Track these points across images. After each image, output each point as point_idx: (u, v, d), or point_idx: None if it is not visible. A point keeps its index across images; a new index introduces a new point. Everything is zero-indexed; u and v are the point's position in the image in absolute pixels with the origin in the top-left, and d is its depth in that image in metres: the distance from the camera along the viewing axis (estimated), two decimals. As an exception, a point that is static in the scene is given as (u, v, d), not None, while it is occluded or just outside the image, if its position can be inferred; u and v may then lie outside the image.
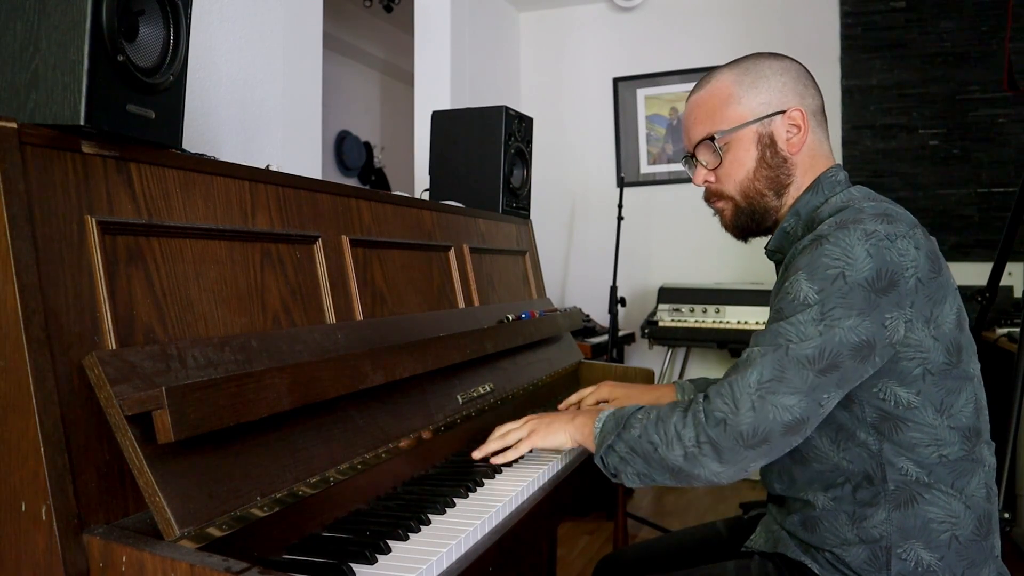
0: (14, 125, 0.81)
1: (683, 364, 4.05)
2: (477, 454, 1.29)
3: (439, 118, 2.18)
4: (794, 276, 1.07)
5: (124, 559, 0.76)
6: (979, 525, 1.08)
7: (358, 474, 1.09)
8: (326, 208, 1.29)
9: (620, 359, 3.72)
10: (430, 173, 2.17)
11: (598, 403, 1.55)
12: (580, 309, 2.51)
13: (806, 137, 1.20)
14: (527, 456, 1.39)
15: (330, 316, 1.23)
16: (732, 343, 3.48)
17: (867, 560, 1.09)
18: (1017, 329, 2.67)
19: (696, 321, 3.57)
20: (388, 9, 4.73)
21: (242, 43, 2.05)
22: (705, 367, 4.04)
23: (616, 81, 4.22)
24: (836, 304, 1.02)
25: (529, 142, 2.21)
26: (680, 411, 1.09)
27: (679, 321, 3.60)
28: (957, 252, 3.66)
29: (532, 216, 2.28)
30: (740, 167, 1.21)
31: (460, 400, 1.42)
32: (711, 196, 1.28)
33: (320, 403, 1.04)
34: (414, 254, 1.55)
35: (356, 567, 0.89)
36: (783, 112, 1.19)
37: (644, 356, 4.05)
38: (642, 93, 4.19)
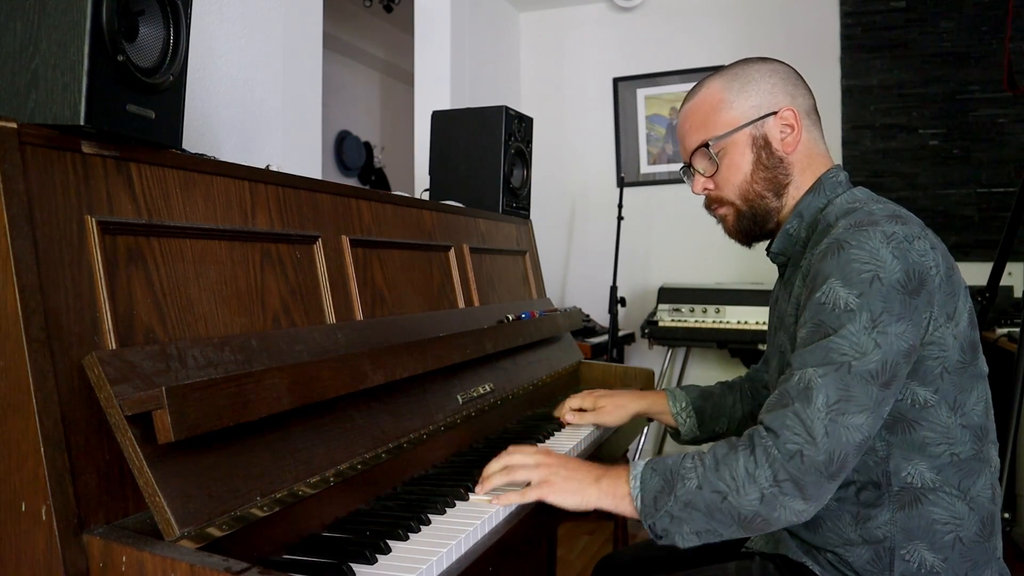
0: (14, 125, 0.81)
1: (683, 364, 4.05)
2: (479, 488, 1.15)
3: (439, 118, 2.18)
4: (826, 285, 1.03)
5: (124, 559, 0.76)
6: (983, 526, 1.08)
7: (358, 474, 1.09)
8: (326, 208, 1.29)
9: (620, 359, 3.72)
10: (430, 173, 2.17)
11: (580, 408, 1.54)
12: (580, 309, 2.51)
13: (800, 136, 1.20)
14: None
15: (330, 316, 1.23)
16: (732, 343, 3.48)
17: (870, 561, 1.09)
18: (1017, 329, 2.67)
19: (696, 321, 3.57)
20: (388, 9, 4.73)
21: (242, 43, 2.05)
22: (705, 367, 4.04)
23: (616, 81, 4.22)
24: (881, 308, 1.00)
25: (529, 142, 2.21)
26: (744, 450, 1.01)
27: (679, 321, 3.60)
28: (957, 252, 3.66)
29: (532, 216, 2.28)
30: (737, 171, 1.22)
31: (460, 400, 1.42)
32: (711, 203, 1.28)
33: (320, 403, 1.04)
34: (414, 254, 1.55)
35: (356, 567, 0.89)
36: (775, 113, 1.20)
37: (644, 356, 4.05)
38: (642, 93, 4.19)
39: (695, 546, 1.05)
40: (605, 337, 3.58)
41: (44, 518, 0.76)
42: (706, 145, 1.22)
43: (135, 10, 0.91)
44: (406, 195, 1.59)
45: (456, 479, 1.22)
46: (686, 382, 4.04)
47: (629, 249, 4.01)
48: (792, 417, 1.00)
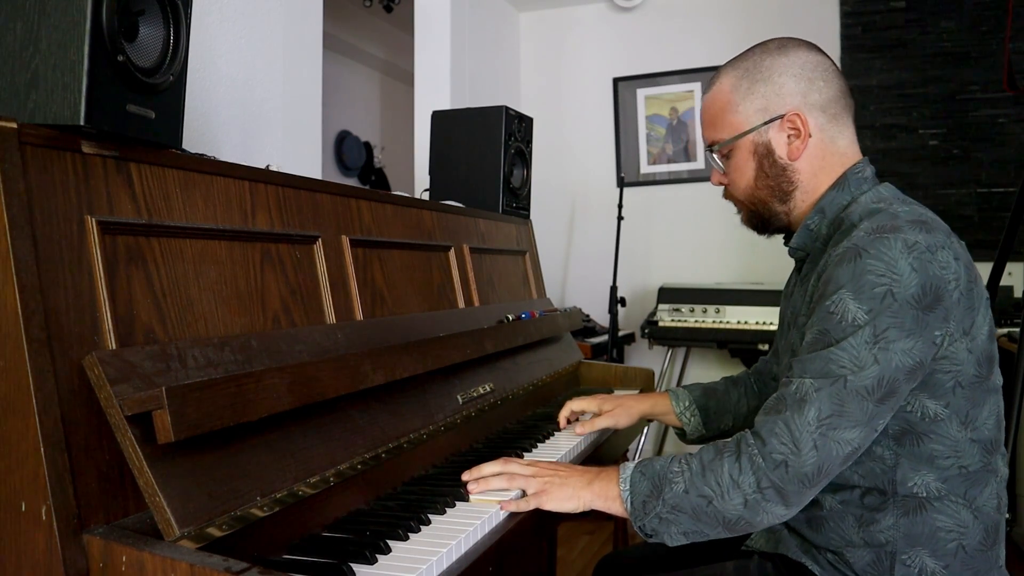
0: (14, 125, 0.81)
1: (683, 364, 4.05)
2: (473, 486, 1.15)
3: (439, 118, 2.18)
4: (837, 295, 1.02)
5: (124, 559, 0.76)
6: (986, 535, 1.07)
7: (358, 474, 1.09)
8: (326, 208, 1.29)
9: (620, 359, 3.72)
10: (430, 173, 2.17)
11: (582, 411, 1.55)
12: (580, 309, 2.51)
13: (808, 140, 1.17)
14: (527, 451, 1.39)
15: (330, 316, 1.23)
16: (732, 343, 3.48)
17: (870, 564, 1.08)
18: (1017, 329, 2.67)
19: (696, 321, 3.57)
20: (388, 9, 4.73)
21: (242, 43, 2.05)
22: (705, 367, 4.03)
23: (616, 81, 4.22)
24: (888, 324, 0.98)
25: (529, 142, 2.21)
26: (730, 456, 1.04)
27: (679, 321, 3.60)
28: (957, 252, 3.65)
29: (532, 216, 2.28)
30: (742, 176, 1.22)
31: (460, 400, 1.42)
32: (727, 196, 1.29)
33: (320, 403, 1.04)
34: (414, 254, 1.55)
35: (356, 567, 0.89)
36: (780, 117, 1.17)
37: (644, 356, 4.05)
38: (642, 93, 4.19)
39: (686, 543, 1.09)
40: (605, 337, 3.58)
41: (44, 518, 0.76)
42: (713, 147, 1.24)
43: (135, 10, 0.91)
44: (406, 195, 1.59)
45: (456, 479, 1.22)
46: (686, 382, 4.05)
47: (629, 249, 4.01)
48: (782, 426, 1.01)
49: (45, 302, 0.80)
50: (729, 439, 1.08)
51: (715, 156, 1.24)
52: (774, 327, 3.38)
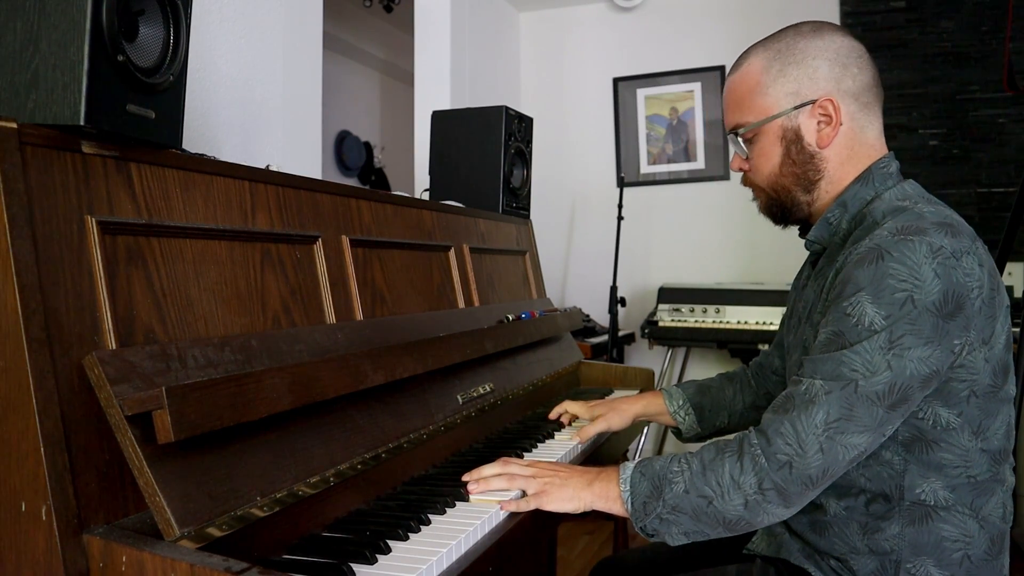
0: (14, 125, 0.81)
1: (683, 364, 4.05)
2: (473, 487, 1.15)
3: (439, 118, 2.18)
4: (855, 297, 0.99)
5: (124, 559, 0.76)
6: (992, 545, 1.06)
7: (358, 474, 1.09)
8: (326, 208, 1.29)
9: (620, 359, 3.72)
10: (430, 173, 2.17)
11: (577, 416, 1.55)
12: (580, 309, 2.51)
13: (838, 128, 1.13)
14: (527, 451, 1.39)
15: (330, 316, 1.23)
16: (732, 343, 3.48)
17: (874, 571, 1.07)
18: (1017, 329, 2.67)
19: (696, 321, 3.57)
20: (388, 9, 4.73)
21: (242, 43, 2.05)
22: (705, 367, 4.03)
23: (616, 81, 4.22)
24: (905, 331, 0.96)
25: (529, 142, 2.21)
26: (731, 456, 1.02)
27: (679, 321, 3.60)
28: (957, 252, 3.65)
29: (532, 216, 2.28)
30: (766, 161, 1.17)
31: (460, 400, 1.42)
32: (747, 183, 1.25)
33: (320, 403, 1.04)
34: (414, 254, 1.55)
35: (356, 567, 0.89)
36: (812, 102, 1.12)
37: (644, 356, 4.05)
38: (642, 93, 4.19)
39: (687, 543, 1.08)
40: (605, 337, 3.58)
41: (44, 518, 0.76)
42: (737, 131, 1.19)
43: (135, 10, 0.91)
44: (406, 195, 1.59)
45: (456, 479, 1.22)
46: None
47: (629, 249, 4.01)
48: (788, 426, 0.99)
49: (45, 302, 0.80)
50: (731, 438, 1.07)
51: (739, 138, 1.19)
52: (774, 327, 3.39)
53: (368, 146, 5.59)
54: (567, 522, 3.39)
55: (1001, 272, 2.39)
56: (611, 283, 3.57)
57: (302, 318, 1.18)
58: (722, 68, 4.00)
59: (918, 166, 3.72)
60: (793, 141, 1.15)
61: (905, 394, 0.97)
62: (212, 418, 0.84)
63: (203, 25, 1.92)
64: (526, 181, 2.19)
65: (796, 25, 1.17)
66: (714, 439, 1.08)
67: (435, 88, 3.57)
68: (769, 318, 3.45)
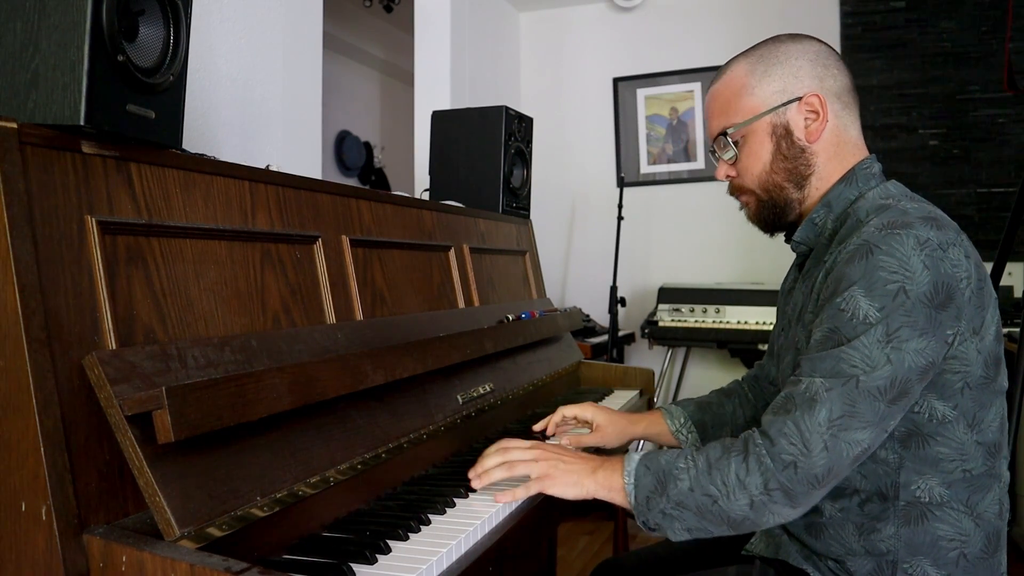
0: (14, 125, 0.81)
1: (683, 364, 4.05)
2: (476, 483, 1.15)
3: (439, 118, 2.18)
4: (848, 292, 1.00)
5: (124, 559, 0.76)
6: (988, 543, 1.06)
7: (358, 474, 1.09)
8: (326, 208, 1.29)
9: (620, 359, 3.72)
10: (430, 173, 2.17)
11: (575, 417, 1.45)
12: (580, 309, 2.51)
13: (825, 123, 1.15)
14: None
15: (330, 316, 1.23)
16: (732, 343, 3.47)
17: (871, 572, 1.07)
18: (1017, 329, 2.67)
19: (696, 321, 3.57)
20: (388, 9, 4.73)
21: (242, 43, 2.05)
22: (705, 367, 4.03)
23: (616, 81, 4.22)
24: (901, 323, 0.96)
25: (529, 142, 2.21)
26: (737, 456, 1.02)
27: (679, 321, 3.60)
28: (957, 252, 3.65)
29: (532, 216, 2.28)
30: (756, 160, 1.18)
31: (460, 400, 1.42)
32: (734, 190, 1.25)
33: (320, 403, 1.04)
34: (414, 254, 1.55)
35: (356, 567, 0.89)
36: (799, 99, 1.15)
37: (644, 356, 4.05)
38: (642, 93, 4.19)
39: (689, 539, 1.07)
40: (605, 337, 3.58)
41: (44, 518, 0.76)
42: (725, 132, 1.19)
43: (135, 10, 0.91)
44: (406, 195, 1.59)
45: (456, 479, 1.22)
46: (686, 382, 4.05)
47: (629, 249, 4.01)
48: (791, 426, 0.99)
49: (45, 302, 0.80)
50: (736, 437, 1.06)
51: (728, 139, 1.19)
52: (774, 327, 3.38)
53: (368, 146, 5.59)
54: (567, 522, 3.39)
55: (1001, 272, 2.40)
56: (611, 283, 3.57)
57: (302, 318, 1.18)
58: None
59: (918, 166, 3.72)
60: (783, 136, 1.16)
61: (905, 387, 0.98)
62: (212, 418, 0.84)
63: (203, 25, 1.92)
64: (526, 181, 2.19)
65: (773, 36, 1.21)
66: (720, 439, 1.07)
67: (435, 88, 3.57)
68: (769, 318, 3.45)
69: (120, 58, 0.87)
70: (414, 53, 3.64)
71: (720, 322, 3.54)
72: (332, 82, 4.76)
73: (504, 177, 2.06)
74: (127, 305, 0.90)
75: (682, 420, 1.46)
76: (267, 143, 2.13)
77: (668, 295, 3.66)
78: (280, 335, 1.09)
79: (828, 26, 3.86)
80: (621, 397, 1.96)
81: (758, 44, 1.21)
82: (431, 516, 1.06)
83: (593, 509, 3.50)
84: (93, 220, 0.87)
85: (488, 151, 2.07)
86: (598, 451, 1.54)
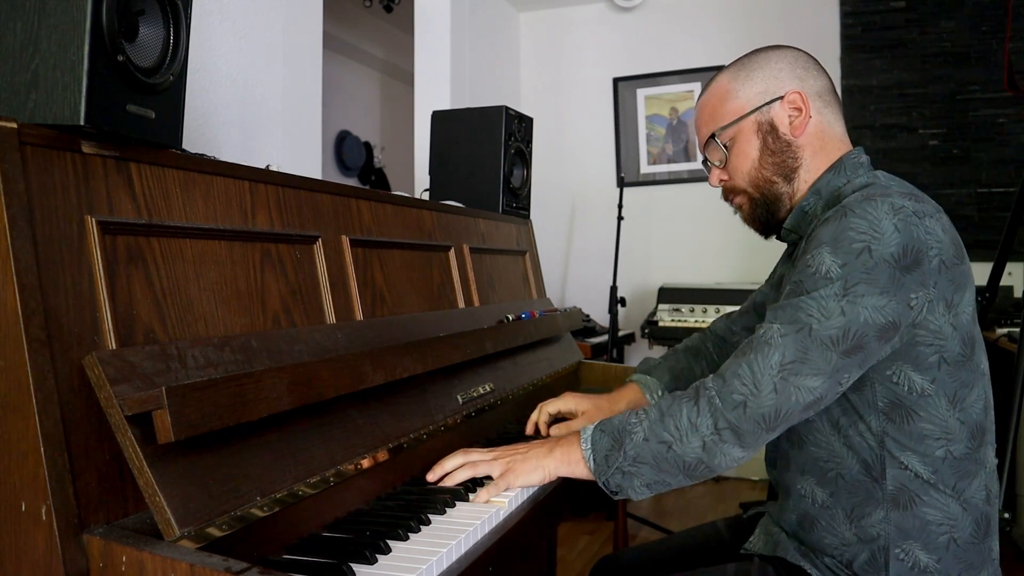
0: (14, 125, 0.81)
1: (683, 364, 4.05)
2: (431, 476, 1.19)
3: (439, 118, 2.18)
4: (818, 250, 1.04)
5: (124, 559, 0.76)
6: (977, 528, 1.08)
7: (358, 474, 1.09)
8: (326, 208, 1.29)
9: (620, 359, 3.72)
10: (430, 173, 2.17)
11: (559, 412, 1.45)
12: (580, 309, 2.51)
13: (808, 118, 1.20)
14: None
15: (330, 316, 1.23)
16: (732, 343, 3.47)
17: (867, 562, 1.09)
18: (1017, 329, 2.67)
19: (696, 321, 3.57)
20: (388, 9, 4.73)
21: (242, 43, 2.05)
22: (705, 367, 4.03)
23: (616, 81, 4.22)
24: (860, 279, 1.00)
25: (529, 142, 2.21)
26: (688, 401, 1.06)
27: (679, 321, 3.60)
28: (957, 252, 3.65)
29: (532, 216, 2.27)
30: (745, 158, 1.22)
31: (460, 400, 1.42)
32: (727, 194, 1.29)
33: (320, 403, 1.04)
34: (414, 254, 1.55)
35: (356, 567, 0.89)
36: (781, 97, 1.20)
37: (644, 356, 4.05)
38: (642, 93, 4.19)
39: (650, 496, 1.10)
40: (605, 337, 3.58)
41: (44, 518, 0.76)
42: (714, 136, 1.24)
43: (135, 10, 0.91)
44: (406, 195, 1.59)
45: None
46: (686, 382, 4.05)
47: (629, 249, 4.01)
48: (744, 367, 1.03)
49: (45, 302, 0.80)
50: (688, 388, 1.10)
51: (717, 141, 1.24)
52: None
53: (368, 146, 5.59)
54: (567, 522, 3.39)
55: (1001, 272, 2.40)
56: (611, 283, 3.57)
57: (302, 318, 1.18)
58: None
59: (918, 166, 3.72)
60: (769, 132, 1.21)
61: (860, 341, 1.00)
62: (212, 418, 0.84)
63: (203, 25, 1.92)
64: (526, 181, 2.19)
65: (754, 50, 1.28)
66: (671, 392, 1.11)
67: (435, 88, 3.57)
68: (769, 318, 3.45)
69: (120, 58, 0.87)
70: (414, 53, 3.64)
71: (720, 322, 3.53)
72: (332, 82, 4.76)
73: (504, 177, 2.06)
74: (127, 305, 0.90)
75: (660, 392, 1.53)
76: (267, 143, 2.13)
77: (668, 295, 3.66)
78: (280, 335, 1.09)
79: (828, 26, 3.86)
80: (621, 397, 1.96)
81: (740, 57, 1.27)
82: (431, 516, 1.06)
83: (593, 509, 3.50)
84: (93, 220, 0.87)
85: (488, 151, 2.07)
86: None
